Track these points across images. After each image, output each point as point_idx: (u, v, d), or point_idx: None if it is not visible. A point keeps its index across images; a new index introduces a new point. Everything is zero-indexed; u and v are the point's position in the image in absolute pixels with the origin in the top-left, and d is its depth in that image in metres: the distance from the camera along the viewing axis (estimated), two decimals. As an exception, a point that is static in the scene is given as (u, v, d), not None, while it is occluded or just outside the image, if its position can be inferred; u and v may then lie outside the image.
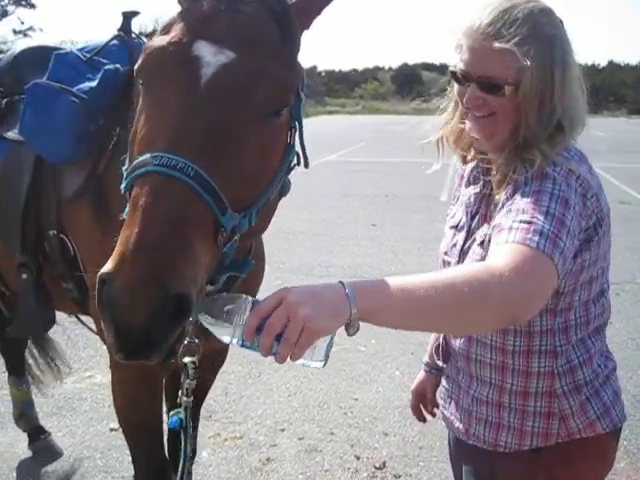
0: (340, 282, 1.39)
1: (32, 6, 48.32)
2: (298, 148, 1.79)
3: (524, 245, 1.57)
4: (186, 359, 1.75)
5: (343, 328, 1.39)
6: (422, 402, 2.43)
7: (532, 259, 1.56)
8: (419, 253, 8.59)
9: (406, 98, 69.27)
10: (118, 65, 2.48)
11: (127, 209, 1.46)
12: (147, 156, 1.46)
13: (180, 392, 1.78)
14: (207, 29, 1.58)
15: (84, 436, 4.37)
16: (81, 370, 5.30)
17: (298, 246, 9.11)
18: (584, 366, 1.90)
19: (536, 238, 1.58)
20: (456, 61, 1.87)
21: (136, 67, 1.63)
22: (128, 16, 2.67)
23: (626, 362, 5.59)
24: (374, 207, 12.12)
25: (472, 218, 1.97)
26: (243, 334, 1.41)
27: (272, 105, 1.58)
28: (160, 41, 1.60)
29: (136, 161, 1.48)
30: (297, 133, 1.77)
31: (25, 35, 47.55)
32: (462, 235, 1.99)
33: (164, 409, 2.74)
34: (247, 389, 5.06)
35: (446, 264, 2.02)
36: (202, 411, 4.50)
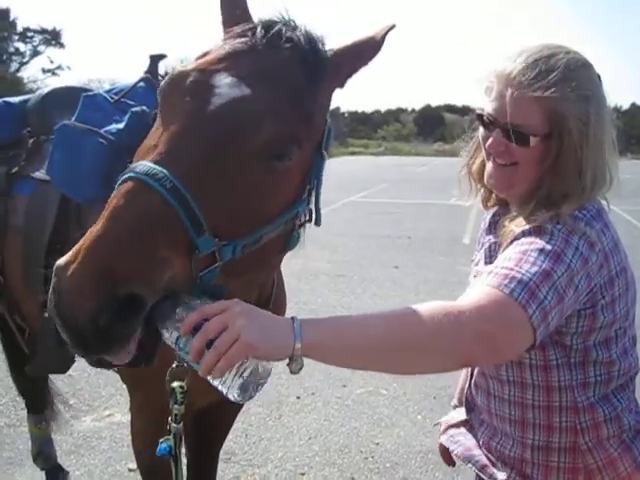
0: (292, 317, 1.41)
1: (61, 45, 49.44)
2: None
3: (497, 289, 1.54)
4: (174, 383, 1.73)
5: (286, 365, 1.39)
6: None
7: (499, 304, 1.52)
8: (442, 295, 8.50)
9: (428, 140, 69.65)
10: (145, 107, 2.50)
11: None
12: (135, 164, 1.52)
13: (170, 418, 1.75)
14: (234, 63, 1.62)
15: (102, 476, 4.33)
16: (100, 409, 5.27)
17: (320, 287, 9.07)
18: (610, 423, 1.82)
19: (512, 285, 1.54)
20: (484, 103, 1.82)
21: (159, 87, 1.68)
22: (155, 59, 2.69)
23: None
24: (396, 249, 12.08)
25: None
26: (180, 331, 1.40)
27: (273, 149, 1.59)
28: (187, 66, 1.66)
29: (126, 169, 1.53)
30: (314, 191, 1.78)
31: (54, 74, 48.58)
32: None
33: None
34: (267, 431, 4.99)
35: None
36: (222, 453, 4.45)
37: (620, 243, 1.79)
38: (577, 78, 1.72)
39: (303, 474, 4.40)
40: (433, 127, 72.88)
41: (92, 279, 1.35)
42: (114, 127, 2.48)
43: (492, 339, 1.50)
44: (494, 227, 1.96)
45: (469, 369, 2.05)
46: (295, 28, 1.72)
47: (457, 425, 2.14)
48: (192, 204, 1.47)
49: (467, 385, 2.07)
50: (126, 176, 1.50)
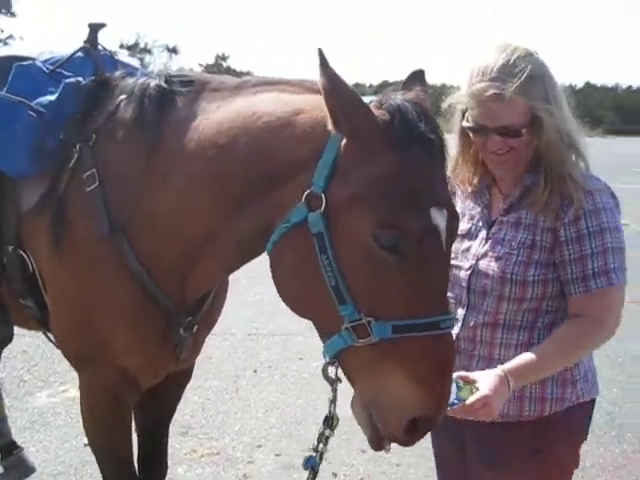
0: (504, 374, 1.99)
1: (13, 14, 48.14)
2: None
3: (610, 287, 2.10)
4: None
5: None
6: None
7: (614, 295, 2.13)
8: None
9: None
10: (80, 78, 2.43)
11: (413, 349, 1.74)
12: (434, 318, 1.75)
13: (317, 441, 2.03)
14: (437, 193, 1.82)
15: (57, 452, 4.32)
16: (56, 384, 5.24)
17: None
18: None
19: (614, 276, 2.10)
20: (467, 117, 2.16)
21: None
22: (95, 28, 2.62)
23: (601, 379, 5.57)
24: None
25: (490, 226, 2.28)
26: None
27: None
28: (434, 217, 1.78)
29: (413, 321, 1.74)
30: None
31: (5, 44, 47.28)
32: (477, 241, 2.29)
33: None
34: (224, 404, 5.02)
35: (455, 267, 2.29)
36: (179, 427, 4.48)
37: None
38: (534, 69, 2.09)
39: (260, 446, 4.45)
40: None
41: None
42: (46, 99, 2.40)
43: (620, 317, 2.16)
44: (479, 194, 2.34)
45: (460, 326, 2.28)
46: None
47: None
48: None
49: (456, 337, 2.24)
50: (438, 332, 1.76)
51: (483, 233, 2.29)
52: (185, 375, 2.83)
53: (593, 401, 2.34)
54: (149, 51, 62.86)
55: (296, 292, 1.94)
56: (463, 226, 2.27)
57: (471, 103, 2.11)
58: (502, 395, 1.98)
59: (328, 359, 1.90)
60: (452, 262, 2.21)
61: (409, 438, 1.79)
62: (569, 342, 2.11)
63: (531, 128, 2.09)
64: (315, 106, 1.90)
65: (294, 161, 1.89)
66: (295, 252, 1.87)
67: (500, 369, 2.01)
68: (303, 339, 6.22)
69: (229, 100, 2.10)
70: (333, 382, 1.95)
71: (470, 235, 2.31)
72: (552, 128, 2.09)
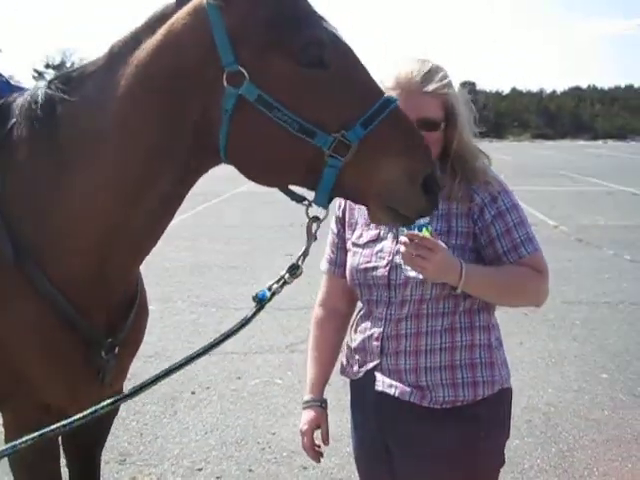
0: (461, 264, 2.16)
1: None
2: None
3: (536, 253, 2.33)
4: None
5: None
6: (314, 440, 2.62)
7: (541, 258, 2.35)
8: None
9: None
10: None
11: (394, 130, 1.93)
12: (384, 98, 1.93)
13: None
14: None
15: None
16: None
17: (213, 279, 8.99)
18: (496, 328, 2.45)
19: (535, 242, 2.34)
20: None
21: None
22: None
23: (536, 381, 5.74)
24: (288, 237, 12.08)
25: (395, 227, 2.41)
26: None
27: None
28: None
29: (372, 109, 1.90)
30: None
31: None
32: (388, 241, 2.39)
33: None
34: (162, 429, 4.94)
35: (371, 269, 2.40)
36: (117, 454, 4.40)
37: None
38: (445, 73, 2.29)
39: (200, 470, 4.39)
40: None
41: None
42: None
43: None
44: None
45: (382, 325, 2.40)
46: None
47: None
48: None
49: (380, 337, 2.39)
50: (388, 109, 1.91)
51: (391, 235, 2.39)
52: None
53: (511, 392, 2.45)
54: (75, 71, 61.56)
55: (275, 162, 2.01)
56: (372, 233, 2.44)
57: (395, 93, 2.17)
58: (447, 265, 2.15)
59: (323, 212, 2.19)
60: (368, 265, 2.41)
61: (429, 200, 1.95)
62: (517, 273, 2.31)
63: (447, 123, 2.28)
64: (177, 14, 1.97)
65: (196, 74, 1.93)
66: (250, 131, 1.93)
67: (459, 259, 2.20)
68: (240, 358, 6.19)
69: (109, 78, 2.05)
70: (311, 237, 2.18)
71: (380, 239, 2.42)
72: (465, 126, 2.29)
